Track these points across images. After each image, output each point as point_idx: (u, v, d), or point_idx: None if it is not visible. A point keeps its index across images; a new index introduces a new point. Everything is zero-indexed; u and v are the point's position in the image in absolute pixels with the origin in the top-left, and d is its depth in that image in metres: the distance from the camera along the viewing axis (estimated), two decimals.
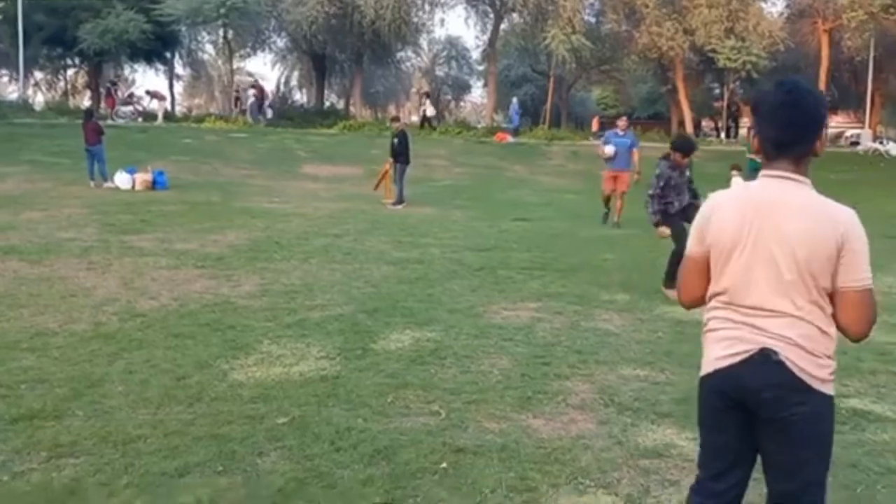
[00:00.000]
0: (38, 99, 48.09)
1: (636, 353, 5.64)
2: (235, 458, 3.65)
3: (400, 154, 15.68)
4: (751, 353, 2.15)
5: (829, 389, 2.20)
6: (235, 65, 37.97)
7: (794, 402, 2.13)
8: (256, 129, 28.66)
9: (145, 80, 53.11)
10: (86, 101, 32.39)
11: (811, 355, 2.14)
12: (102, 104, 32.39)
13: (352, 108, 38.52)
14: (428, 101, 34.26)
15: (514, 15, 35.05)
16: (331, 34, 31.60)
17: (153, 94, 32.19)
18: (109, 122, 26.95)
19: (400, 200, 15.53)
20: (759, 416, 2.18)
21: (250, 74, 36.91)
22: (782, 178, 2.20)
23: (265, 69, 75.90)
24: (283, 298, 7.06)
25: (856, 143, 33.81)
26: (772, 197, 2.20)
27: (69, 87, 42.44)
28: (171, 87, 38.66)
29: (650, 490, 3.48)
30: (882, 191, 20.96)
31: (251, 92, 32.68)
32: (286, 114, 33.78)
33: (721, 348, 2.22)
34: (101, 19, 31.10)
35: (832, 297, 2.16)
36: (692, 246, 2.35)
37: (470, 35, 45.39)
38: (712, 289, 2.29)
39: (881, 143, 30.30)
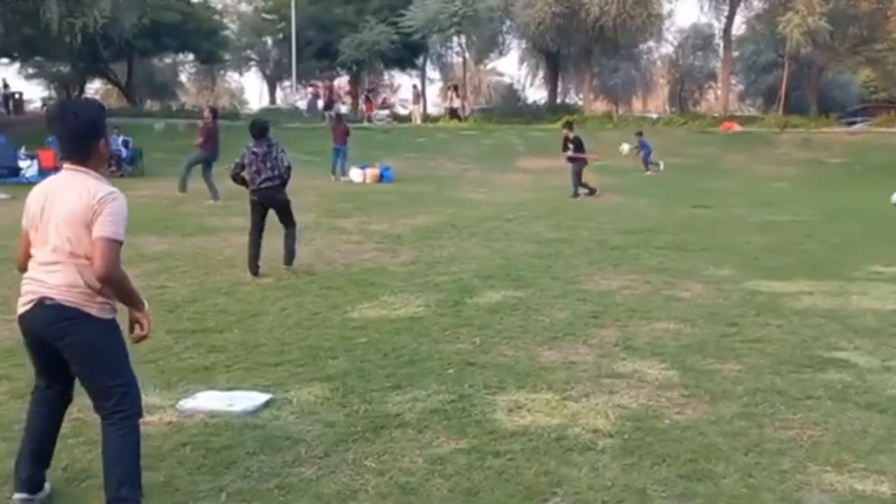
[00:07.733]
0: (319, 104, 54.94)
1: (685, 314, 6.51)
2: (316, 357, 5.30)
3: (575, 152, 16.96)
4: (34, 302, 3.05)
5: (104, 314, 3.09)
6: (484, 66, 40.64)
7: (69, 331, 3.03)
8: (483, 128, 30.90)
9: (401, 84, 58.83)
10: (342, 107, 36.80)
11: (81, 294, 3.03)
12: (362, 108, 36.73)
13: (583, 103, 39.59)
14: (454, 94, 36.17)
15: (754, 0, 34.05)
16: (559, 33, 33.00)
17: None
18: (367, 124, 30.71)
19: (575, 194, 16.61)
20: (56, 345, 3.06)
21: (329, 78, 41.11)
22: (72, 170, 3.07)
23: (512, 69, 78.99)
24: (425, 267, 8.68)
25: None
26: (56, 186, 3.09)
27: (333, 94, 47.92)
28: (423, 90, 42.29)
29: (590, 394, 4.58)
30: None
31: (310, 90, 36.09)
32: (516, 111, 35.82)
33: (21, 300, 3.11)
34: (357, 33, 35.28)
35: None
36: (24, 223, 3.15)
37: (718, 22, 44.09)
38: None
39: None
